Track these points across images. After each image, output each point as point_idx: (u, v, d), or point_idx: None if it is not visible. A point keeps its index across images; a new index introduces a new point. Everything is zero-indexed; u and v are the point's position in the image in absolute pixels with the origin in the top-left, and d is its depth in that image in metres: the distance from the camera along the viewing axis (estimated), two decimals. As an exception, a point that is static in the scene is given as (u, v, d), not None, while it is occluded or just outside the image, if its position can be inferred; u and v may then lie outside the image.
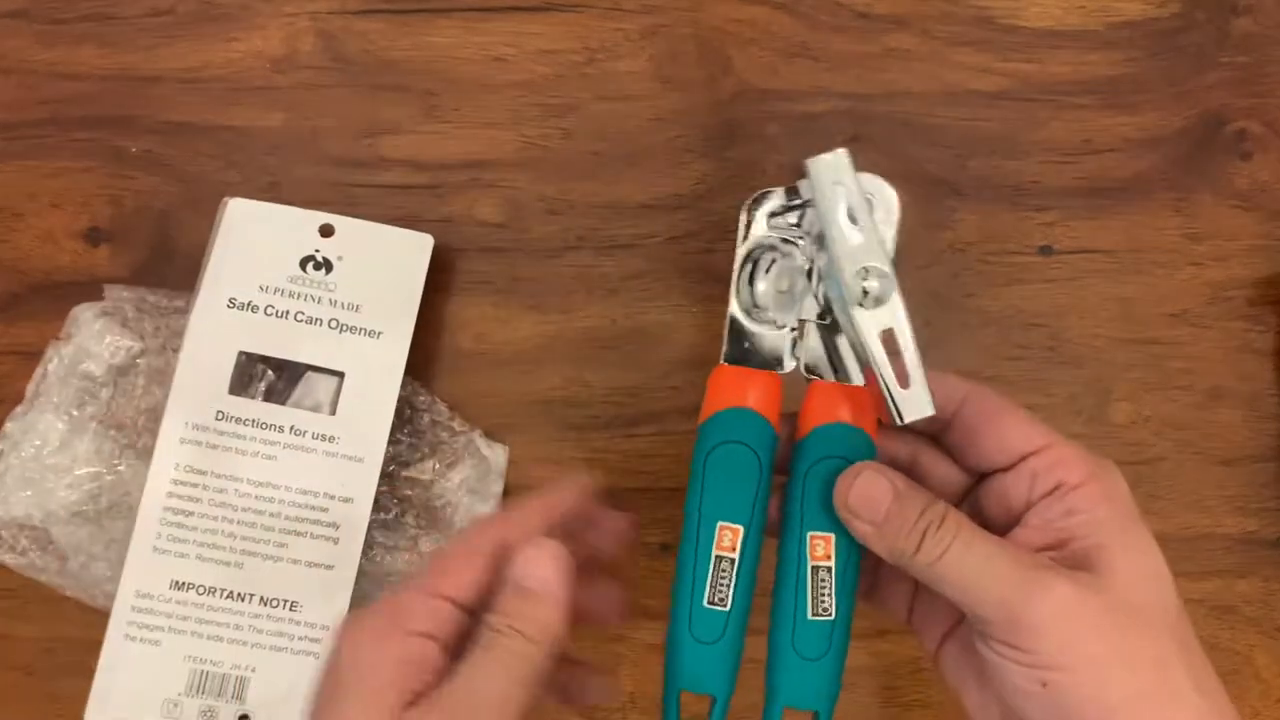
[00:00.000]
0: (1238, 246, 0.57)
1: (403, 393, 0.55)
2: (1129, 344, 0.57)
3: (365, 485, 0.54)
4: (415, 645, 0.39)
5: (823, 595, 0.43)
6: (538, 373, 0.57)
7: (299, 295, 0.54)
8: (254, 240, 0.54)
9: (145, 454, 0.54)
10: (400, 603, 0.41)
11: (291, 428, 0.53)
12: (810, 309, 0.45)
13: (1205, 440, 0.56)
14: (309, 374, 0.54)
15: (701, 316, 0.57)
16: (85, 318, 0.55)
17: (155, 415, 0.54)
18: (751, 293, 0.45)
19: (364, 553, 0.54)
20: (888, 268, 0.42)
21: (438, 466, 0.56)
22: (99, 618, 0.53)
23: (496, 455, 0.56)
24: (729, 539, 0.43)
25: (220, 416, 0.53)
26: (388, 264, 0.55)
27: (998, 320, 0.57)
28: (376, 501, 0.54)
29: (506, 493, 0.56)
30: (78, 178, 0.58)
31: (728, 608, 0.43)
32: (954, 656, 0.44)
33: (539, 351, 0.57)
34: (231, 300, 0.54)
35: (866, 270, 0.42)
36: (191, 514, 0.53)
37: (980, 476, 0.44)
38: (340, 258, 0.55)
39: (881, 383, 0.41)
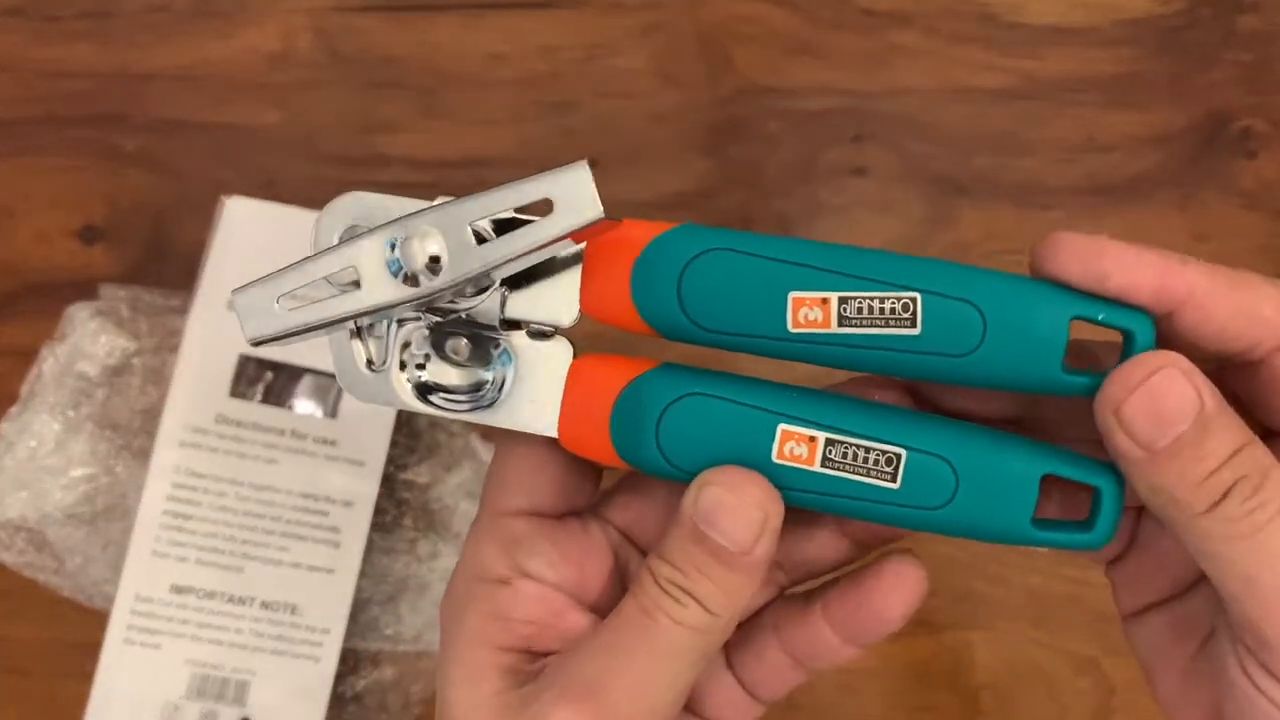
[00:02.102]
0: (1243, 245, 0.57)
1: (401, 393, 0.55)
2: (1133, 344, 0.57)
3: (366, 489, 0.53)
4: (506, 594, 0.32)
5: None
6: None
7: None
8: (254, 240, 0.54)
9: (142, 455, 0.53)
10: (471, 547, 0.33)
11: (292, 431, 0.53)
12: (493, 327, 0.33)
13: (1210, 441, 0.56)
14: (309, 376, 0.54)
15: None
16: (80, 317, 0.54)
17: (151, 415, 0.54)
18: (440, 387, 0.33)
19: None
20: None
21: (435, 469, 0.55)
22: (96, 620, 0.53)
23: (497, 457, 0.56)
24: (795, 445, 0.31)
25: (220, 419, 0.53)
26: (389, 266, 0.55)
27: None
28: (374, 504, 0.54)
29: (507, 494, 0.56)
30: (73, 176, 0.58)
31: None
32: (1158, 633, 0.33)
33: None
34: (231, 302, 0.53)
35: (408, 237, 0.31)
36: (191, 518, 0.52)
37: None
38: (341, 259, 0.54)
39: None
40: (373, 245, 0.31)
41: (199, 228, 0.55)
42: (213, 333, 0.53)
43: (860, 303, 0.29)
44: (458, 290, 0.31)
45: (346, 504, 0.53)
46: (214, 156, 0.58)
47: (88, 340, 0.54)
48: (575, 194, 0.30)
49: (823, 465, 0.30)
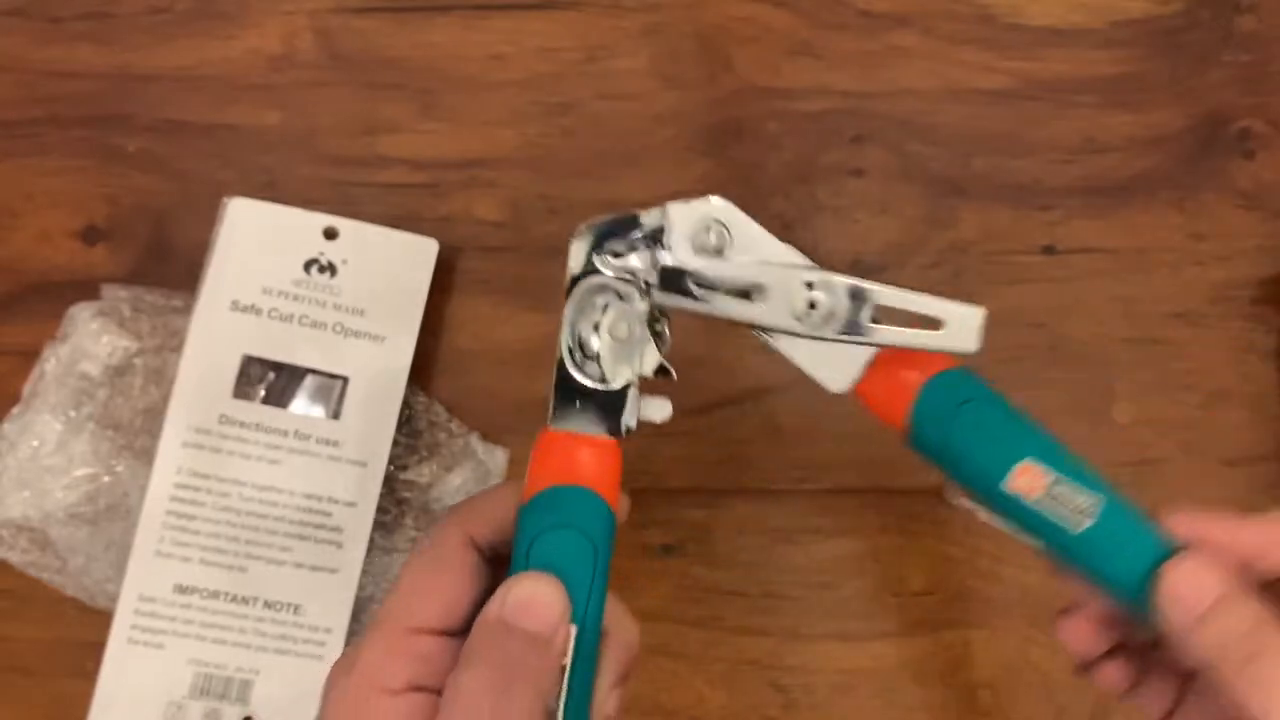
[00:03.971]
0: (1241, 246, 0.57)
1: (400, 393, 0.55)
2: (1131, 344, 0.57)
3: (368, 489, 0.54)
4: (401, 706, 0.35)
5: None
6: (537, 373, 0.57)
7: (303, 299, 0.54)
8: (257, 242, 0.54)
9: (143, 455, 0.53)
10: (372, 655, 0.36)
11: (295, 432, 0.53)
12: (650, 362, 0.40)
13: (1208, 441, 0.56)
14: (311, 377, 0.54)
15: (702, 316, 0.57)
16: (82, 317, 0.55)
17: (153, 416, 0.54)
18: (582, 341, 0.40)
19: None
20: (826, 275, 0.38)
21: (436, 469, 0.55)
22: (98, 619, 0.53)
23: (495, 458, 0.56)
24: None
25: (223, 420, 0.53)
26: (392, 268, 0.55)
27: (1000, 320, 0.56)
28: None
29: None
30: (74, 176, 0.58)
31: None
32: None
33: (538, 351, 0.57)
34: (234, 303, 0.53)
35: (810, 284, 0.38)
36: (194, 518, 0.52)
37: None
38: (345, 261, 0.54)
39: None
40: (791, 276, 0.38)
41: (200, 228, 0.55)
42: (215, 333, 0.53)
43: (1068, 489, 0.37)
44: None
45: (349, 504, 0.53)
46: (215, 157, 0.58)
47: (89, 340, 0.54)
48: (966, 327, 0.37)
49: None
